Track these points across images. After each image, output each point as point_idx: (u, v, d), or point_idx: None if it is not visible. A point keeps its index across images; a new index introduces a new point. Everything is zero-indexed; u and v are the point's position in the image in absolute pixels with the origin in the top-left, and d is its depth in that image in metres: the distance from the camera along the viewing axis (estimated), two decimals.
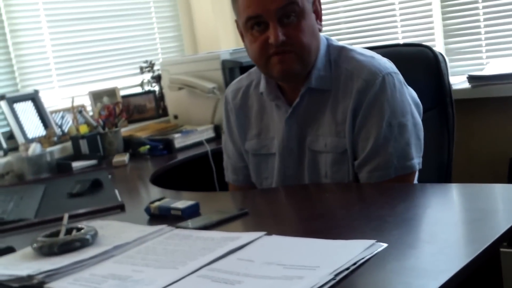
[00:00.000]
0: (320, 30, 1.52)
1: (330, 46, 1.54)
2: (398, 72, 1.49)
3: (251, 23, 1.46)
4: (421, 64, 1.80)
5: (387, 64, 1.49)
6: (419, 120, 1.49)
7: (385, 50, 1.85)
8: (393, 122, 1.43)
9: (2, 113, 2.45)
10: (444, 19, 2.69)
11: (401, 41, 2.80)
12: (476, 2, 2.60)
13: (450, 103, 1.78)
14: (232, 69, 2.57)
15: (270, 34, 1.42)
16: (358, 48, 1.55)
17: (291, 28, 1.44)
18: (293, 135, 1.55)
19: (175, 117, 2.83)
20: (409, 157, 1.44)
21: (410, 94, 1.50)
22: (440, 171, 1.76)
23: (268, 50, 1.45)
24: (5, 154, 2.37)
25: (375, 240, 0.98)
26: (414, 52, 1.85)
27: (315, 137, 1.52)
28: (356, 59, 1.49)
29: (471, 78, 2.44)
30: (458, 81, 2.50)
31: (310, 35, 1.47)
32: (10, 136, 2.46)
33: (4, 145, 2.39)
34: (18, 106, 2.48)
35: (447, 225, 1.10)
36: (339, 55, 1.52)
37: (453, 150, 1.77)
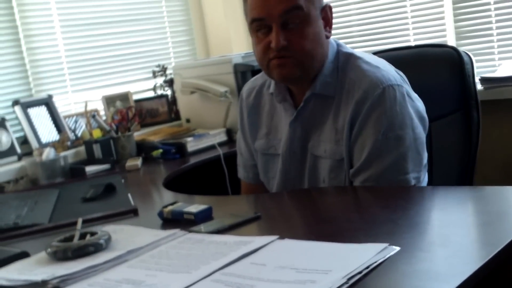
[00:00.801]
0: (327, 37, 1.51)
1: (339, 52, 1.54)
2: (403, 84, 1.47)
3: (256, 25, 1.48)
4: (445, 65, 1.75)
5: (391, 76, 1.46)
6: (421, 134, 1.46)
7: (411, 51, 1.83)
8: (389, 135, 1.41)
9: (16, 118, 2.48)
10: (456, 21, 2.67)
11: (413, 43, 2.79)
12: (488, 4, 2.58)
13: (475, 106, 1.71)
14: (244, 72, 2.58)
15: (272, 38, 1.44)
16: (367, 56, 1.54)
17: (294, 34, 1.44)
18: (297, 138, 1.56)
19: (188, 121, 2.84)
20: (403, 171, 1.42)
21: (415, 107, 1.47)
22: (463, 175, 1.72)
23: (269, 54, 1.46)
24: (20, 159, 2.39)
25: (388, 244, 0.98)
26: (439, 53, 1.79)
27: (317, 142, 1.53)
28: (361, 68, 1.48)
29: (484, 80, 2.43)
30: None
31: (314, 42, 1.46)
32: (24, 141, 2.49)
33: (18, 150, 2.41)
34: (32, 111, 2.50)
35: (460, 228, 1.10)
36: (346, 62, 1.51)
37: (477, 154, 1.71)
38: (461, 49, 1.75)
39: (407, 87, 1.48)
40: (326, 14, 1.51)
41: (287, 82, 1.55)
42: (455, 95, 1.72)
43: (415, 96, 1.50)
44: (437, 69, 1.74)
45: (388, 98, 1.42)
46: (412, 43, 2.80)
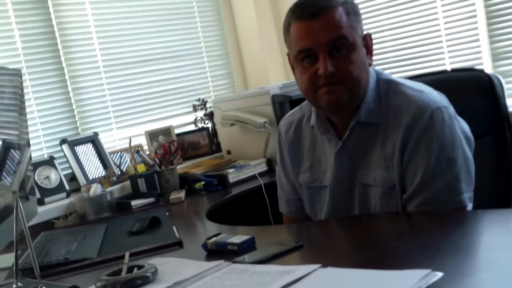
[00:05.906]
0: (370, 65, 1.53)
1: (379, 79, 1.55)
2: (449, 106, 1.47)
3: (302, 56, 1.49)
4: (475, 89, 1.75)
5: (437, 98, 1.47)
6: (470, 154, 1.46)
7: (439, 76, 1.84)
8: (441, 157, 1.42)
9: (64, 156, 2.56)
10: (491, 43, 2.66)
11: (448, 67, 2.78)
12: None
13: (508, 127, 1.72)
14: (282, 103, 2.62)
15: (320, 66, 1.45)
16: (407, 81, 1.55)
17: (341, 60, 1.46)
18: (343, 168, 1.56)
19: (228, 152, 2.88)
20: (458, 192, 1.42)
21: (461, 128, 1.47)
22: (500, 197, 1.70)
23: (318, 82, 1.47)
24: (68, 195, 2.47)
25: (430, 270, 0.98)
26: (468, 77, 1.80)
27: (366, 170, 1.53)
28: (405, 93, 1.48)
29: None
30: (509, 104, 2.45)
31: (360, 68, 1.48)
32: (72, 178, 2.56)
33: (67, 187, 2.49)
34: (79, 149, 2.58)
35: (503, 251, 1.08)
36: (388, 89, 1.52)
37: None
38: (497, 70, 1.74)
39: (452, 109, 1.49)
40: (367, 42, 1.53)
41: (334, 109, 1.54)
42: (486, 118, 1.72)
43: (459, 117, 1.50)
44: (467, 93, 1.74)
45: (437, 120, 1.42)
46: (448, 67, 2.79)
